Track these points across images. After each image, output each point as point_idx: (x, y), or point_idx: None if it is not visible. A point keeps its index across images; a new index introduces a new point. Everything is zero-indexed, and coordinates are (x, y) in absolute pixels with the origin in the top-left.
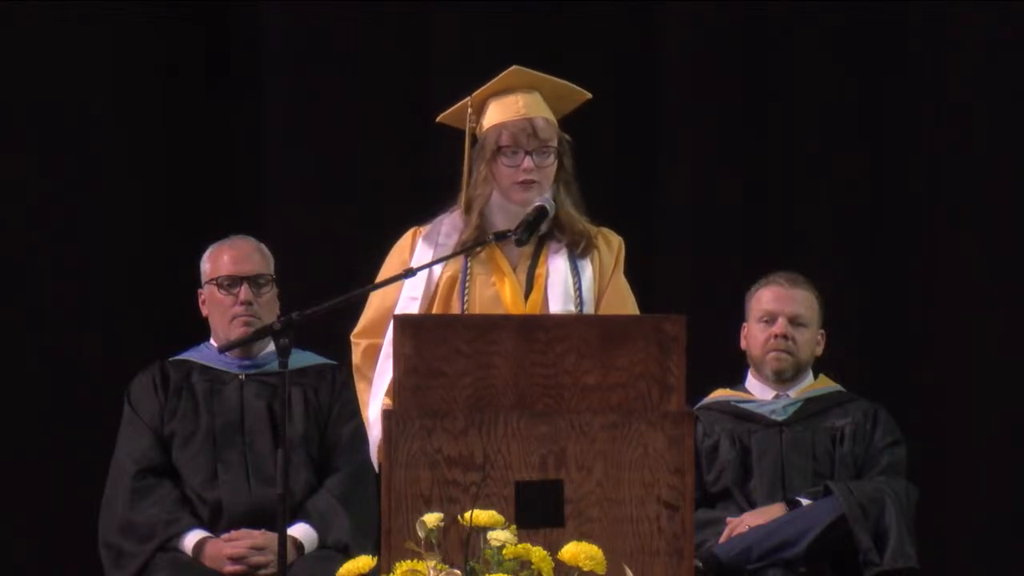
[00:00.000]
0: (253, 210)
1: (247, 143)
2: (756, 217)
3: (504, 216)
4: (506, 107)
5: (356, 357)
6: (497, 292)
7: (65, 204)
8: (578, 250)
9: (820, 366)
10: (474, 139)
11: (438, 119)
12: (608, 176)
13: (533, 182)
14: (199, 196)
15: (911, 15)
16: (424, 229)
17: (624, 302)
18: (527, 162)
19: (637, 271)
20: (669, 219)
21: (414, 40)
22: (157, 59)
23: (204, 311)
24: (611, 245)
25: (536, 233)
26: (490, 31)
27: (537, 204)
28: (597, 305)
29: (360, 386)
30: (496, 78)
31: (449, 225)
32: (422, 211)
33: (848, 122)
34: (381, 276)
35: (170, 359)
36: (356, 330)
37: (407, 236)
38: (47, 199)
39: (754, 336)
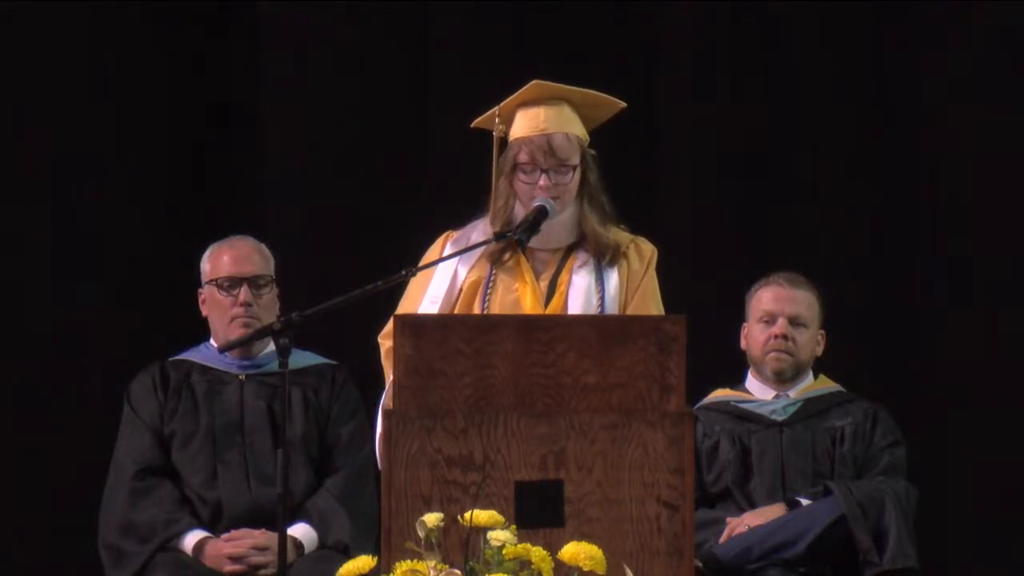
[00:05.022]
0: (253, 210)
1: (247, 143)
2: (756, 217)
3: None
4: (528, 121)
5: (382, 358)
6: (518, 298)
7: (65, 204)
8: (605, 260)
9: (820, 366)
10: (505, 144)
11: (472, 124)
12: (607, 176)
13: (550, 199)
14: (199, 196)
15: (911, 15)
16: (456, 234)
17: (647, 303)
18: (543, 180)
19: None
20: (669, 219)
21: (414, 40)
22: (157, 58)
23: (204, 311)
24: (643, 254)
25: (535, 233)
26: (490, 31)
27: (537, 204)
28: (623, 312)
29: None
30: (520, 91)
31: (480, 232)
32: (421, 211)
33: (848, 122)
34: (415, 283)
35: (170, 359)
36: (382, 332)
37: (439, 241)
38: (47, 199)
39: (754, 336)
